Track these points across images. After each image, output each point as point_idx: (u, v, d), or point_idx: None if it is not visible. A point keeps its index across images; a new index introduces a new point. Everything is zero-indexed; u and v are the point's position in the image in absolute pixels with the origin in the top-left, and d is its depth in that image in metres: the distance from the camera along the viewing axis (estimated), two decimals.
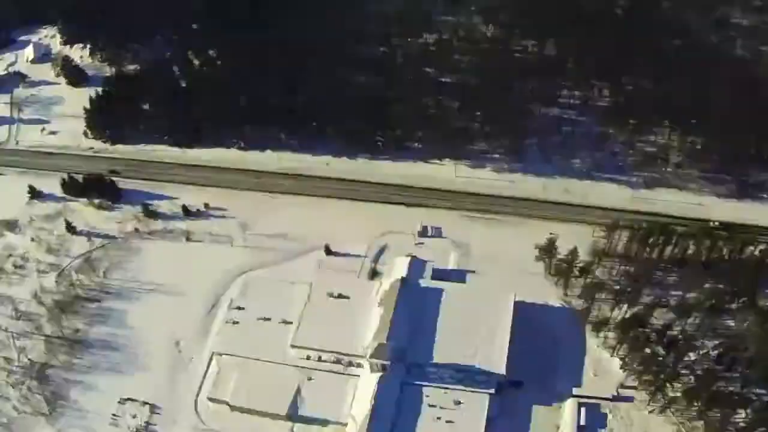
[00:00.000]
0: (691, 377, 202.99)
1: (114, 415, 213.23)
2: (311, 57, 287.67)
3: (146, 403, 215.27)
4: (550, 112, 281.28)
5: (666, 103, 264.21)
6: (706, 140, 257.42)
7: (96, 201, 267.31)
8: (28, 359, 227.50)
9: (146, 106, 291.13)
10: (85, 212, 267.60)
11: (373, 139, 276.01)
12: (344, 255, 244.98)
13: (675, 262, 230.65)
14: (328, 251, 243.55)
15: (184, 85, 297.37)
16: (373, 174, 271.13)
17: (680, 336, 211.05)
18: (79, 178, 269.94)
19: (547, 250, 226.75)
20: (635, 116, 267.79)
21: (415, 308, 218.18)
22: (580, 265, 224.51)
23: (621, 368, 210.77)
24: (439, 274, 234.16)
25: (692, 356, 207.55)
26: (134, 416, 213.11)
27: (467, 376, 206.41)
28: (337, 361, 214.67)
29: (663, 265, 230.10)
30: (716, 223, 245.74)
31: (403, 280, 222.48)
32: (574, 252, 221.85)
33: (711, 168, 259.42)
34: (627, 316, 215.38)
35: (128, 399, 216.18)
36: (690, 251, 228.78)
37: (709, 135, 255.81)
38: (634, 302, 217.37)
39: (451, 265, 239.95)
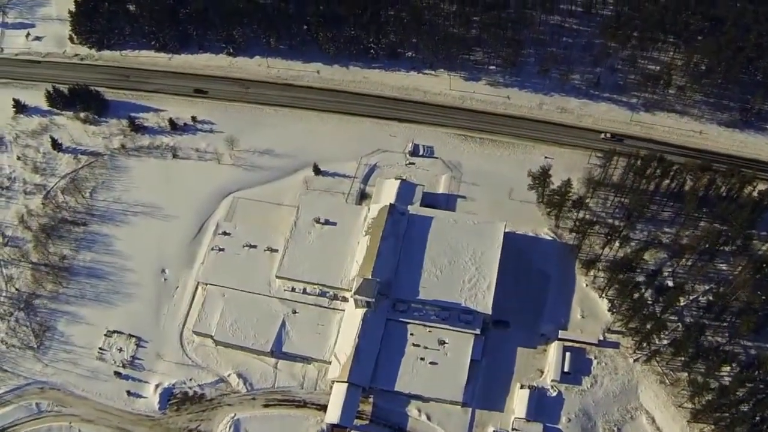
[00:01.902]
0: (679, 324, 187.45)
1: (101, 348, 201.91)
2: None
3: (132, 336, 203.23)
4: (550, 19, 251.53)
5: (673, 16, 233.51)
6: (712, 61, 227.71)
7: (82, 114, 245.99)
8: (16, 289, 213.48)
9: (132, 7, 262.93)
10: (70, 126, 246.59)
11: (365, 45, 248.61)
12: (333, 175, 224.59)
13: (671, 195, 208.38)
14: (317, 170, 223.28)
15: None
16: (365, 84, 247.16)
17: (670, 283, 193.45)
18: (64, 89, 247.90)
19: (540, 179, 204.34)
20: (639, 29, 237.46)
21: (402, 238, 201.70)
22: (573, 197, 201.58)
23: (609, 311, 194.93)
24: (429, 199, 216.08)
25: (681, 301, 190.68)
26: (120, 350, 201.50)
27: (453, 314, 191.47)
28: (322, 294, 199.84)
29: (659, 199, 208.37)
30: (608, 135, 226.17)
31: (391, 207, 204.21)
32: (567, 184, 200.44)
33: (714, 92, 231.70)
34: (618, 255, 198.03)
35: (114, 331, 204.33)
36: (687, 185, 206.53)
37: (715, 55, 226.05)
38: (626, 240, 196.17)
39: (442, 189, 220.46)
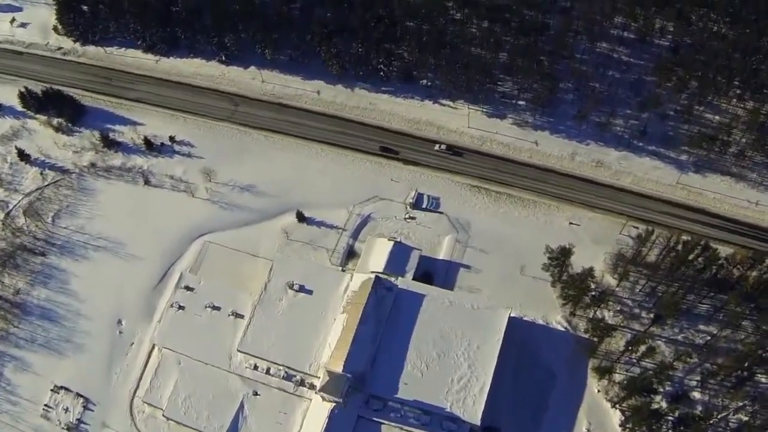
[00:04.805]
0: None
1: (46, 405, 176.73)
2: None
3: (80, 396, 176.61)
4: (596, 47, 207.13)
5: (742, 58, 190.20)
6: None
7: (54, 121, 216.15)
8: None
9: None
10: (42, 134, 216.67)
11: (375, 65, 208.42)
12: (318, 224, 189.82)
13: (713, 284, 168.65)
14: (300, 217, 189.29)
15: None
16: (371, 113, 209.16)
17: (696, 412, 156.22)
18: (39, 90, 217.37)
19: (558, 260, 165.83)
20: (699, 69, 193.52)
21: (385, 319, 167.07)
22: (594, 292, 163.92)
23: (620, 426, 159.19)
24: (426, 265, 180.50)
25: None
26: (66, 410, 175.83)
27: (435, 419, 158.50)
28: (288, 377, 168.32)
29: (698, 287, 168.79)
30: (442, 147, 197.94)
31: (376, 280, 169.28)
32: (588, 273, 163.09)
33: None
34: (641, 359, 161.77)
35: (62, 387, 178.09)
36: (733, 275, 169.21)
37: None
38: (651, 351, 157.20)
39: (443, 254, 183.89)
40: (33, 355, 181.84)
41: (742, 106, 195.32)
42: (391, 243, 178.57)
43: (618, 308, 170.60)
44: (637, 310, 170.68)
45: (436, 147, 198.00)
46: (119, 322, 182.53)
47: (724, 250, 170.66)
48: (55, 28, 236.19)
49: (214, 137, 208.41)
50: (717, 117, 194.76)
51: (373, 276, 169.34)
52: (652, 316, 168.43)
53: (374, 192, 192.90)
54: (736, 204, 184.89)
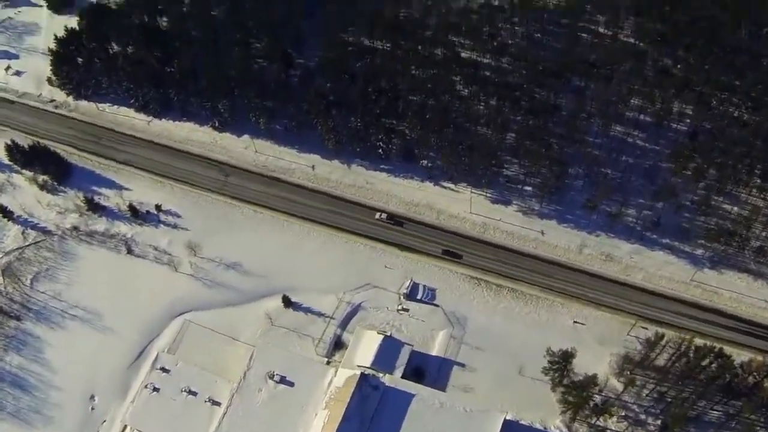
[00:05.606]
0: None
1: None
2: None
3: None
4: (610, 130, 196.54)
5: (764, 146, 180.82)
6: None
7: (40, 179, 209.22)
8: None
9: (116, 47, 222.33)
10: (26, 190, 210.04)
11: (374, 141, 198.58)
12: (305, 310, 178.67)
13: (726, 390, 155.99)
14: (287, 302, 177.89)
15: (165, 23, 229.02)
16: (368, 192, 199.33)
17: None
18: (26, 144, 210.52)
19: (559, 365, 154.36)
20: (718, 156, 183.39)
21: (370, 419, 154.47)
22: (596, 399, 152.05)
23: None
24: (417, 361, 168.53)
25: None
26: None
27: None
28: None
29: (709, 393, 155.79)
30: (383, 216, 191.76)
31: (361, 377, 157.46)
32: (591, 381, 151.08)
33: None
34: None
35: None
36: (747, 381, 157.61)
37: None
38: None
39: (437, 350, 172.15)
40: (1, 423, 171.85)
41: (763, 197, 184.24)
42: (381, 337, 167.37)
43: (623, 414, 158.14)
44: (643, 416, 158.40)
45: (377, 216, 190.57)
46: (92, 397, 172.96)
47: (738, 354, 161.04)
48: (49, 80, 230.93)
49: (202, 209, 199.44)
50: (736, 209, 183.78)
51: (358, 372, 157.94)
52: (659, 423, 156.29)
53: (367, 279, 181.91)
54: (753, 305, 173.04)
